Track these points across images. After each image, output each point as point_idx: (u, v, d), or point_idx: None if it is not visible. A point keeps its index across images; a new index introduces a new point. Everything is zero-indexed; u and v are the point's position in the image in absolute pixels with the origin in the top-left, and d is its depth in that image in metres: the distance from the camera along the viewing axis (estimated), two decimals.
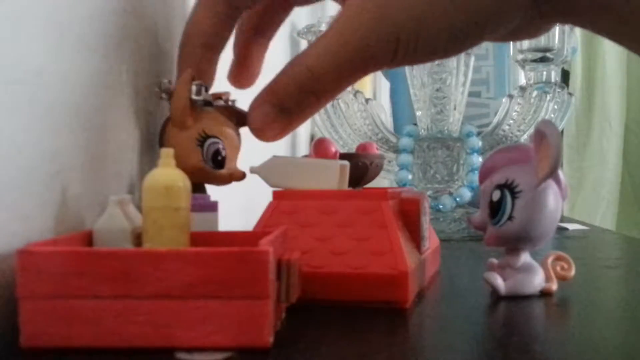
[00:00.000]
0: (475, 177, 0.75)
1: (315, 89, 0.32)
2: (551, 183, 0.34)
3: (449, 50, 0.31)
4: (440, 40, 0.30)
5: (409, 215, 0.39)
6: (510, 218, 0.34)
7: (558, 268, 0.38)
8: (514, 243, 0.36)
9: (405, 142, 0.78)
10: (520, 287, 0.36)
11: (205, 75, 0.37)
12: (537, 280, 0.37)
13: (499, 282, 0.36)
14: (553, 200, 0.34)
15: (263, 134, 0.34)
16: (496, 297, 0.36)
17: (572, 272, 0.38)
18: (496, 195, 0.35)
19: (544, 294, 0.37)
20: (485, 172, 0.37)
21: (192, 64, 0.36)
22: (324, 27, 0.85)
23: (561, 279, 0.38)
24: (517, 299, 0.36)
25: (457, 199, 0.75)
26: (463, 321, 0.32)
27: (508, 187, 0.34)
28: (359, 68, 0.31)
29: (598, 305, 0.37)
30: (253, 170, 0.40)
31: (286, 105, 0.33)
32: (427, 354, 0.27)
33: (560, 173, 0.35)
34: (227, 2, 0.35)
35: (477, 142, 0.76)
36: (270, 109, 0.33)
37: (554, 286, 0.37)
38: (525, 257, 0.36)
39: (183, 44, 0.37)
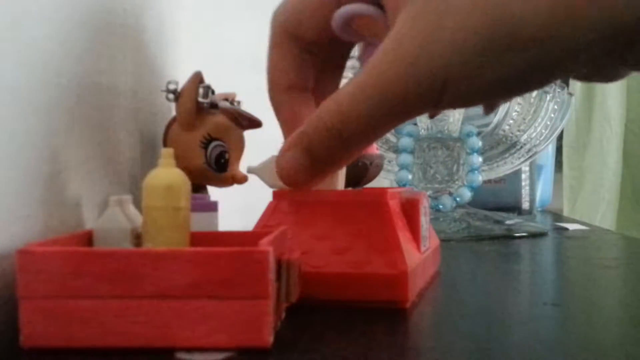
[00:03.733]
0: (475, 177, 0.75)
1: (345, 136, 0.29)
2: None
3: (511, 92, 0.28)
4: (497, 84, 0.26)
5: (409, 215, 0.39)
6: None
7: None
8: None
9: (405, 142, 0.78)
10: None
11: (305, 117, 0.32)
12: None
13: None
14: None
15: (290, 178, 0.32)
16: None
17: None
18: None
19: None
20: None
21: (286, 111, 0.33)
22: None
23: None
24: (518, 299, 0.36)
25: (457, 199, 0.75)
26: (463, 321, 0.32)
27: None
28: (396, 117, 0.28)
29: (598, 305, 0.37)
30: (251, 170, 0.40)
31: (315, 150, 0.30)
32: (427, 354, 0.27)
33: None
34: (296, 43, 0.32)
35: (477, 142, 0.76)
36: (300, 154, 0.31)
37: None
38: None
39: (270, 92, 0.34)
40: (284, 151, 0.31)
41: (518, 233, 0.73)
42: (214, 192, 0.44)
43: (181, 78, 0.42)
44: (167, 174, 0.29)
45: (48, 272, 0.26)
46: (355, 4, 0.31)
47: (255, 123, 0.45)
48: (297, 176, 0.31)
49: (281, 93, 0.33)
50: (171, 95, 0.41)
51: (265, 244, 0.26)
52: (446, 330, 0.31)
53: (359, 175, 0.41)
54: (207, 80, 0.42)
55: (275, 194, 0.38)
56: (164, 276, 0.26)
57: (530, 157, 0.79)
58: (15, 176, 0.30)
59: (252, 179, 0.43)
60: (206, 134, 0.41)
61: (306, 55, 0.33)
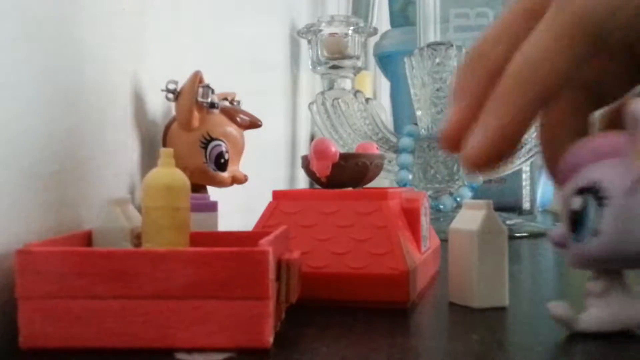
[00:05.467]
0: (475, 177, 0.75)
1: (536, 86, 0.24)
2: None
3: None
4: None
5: (409, 215, 0.39)
6: (595, 233, 0.25)
7: None
8: (602, 265, 0.27)
9: (406, 142, 0.78)
10: (603, 320, 0.27)
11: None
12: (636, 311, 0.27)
13: (567, 313, 0.28)
14: None
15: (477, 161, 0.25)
16: (570, 333, 0.28)
17: None
18: (577, 202, 0.26)
19: None
20: (567, 172, 0.27)
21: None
22: (324, 27, 0.85)
23: None
24: (518, 299, 0.36)
25: (458, 199, 0.75)
26: (463, 321, 0.32)
27: (592, 192, 0.26)
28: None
29: None
30: None
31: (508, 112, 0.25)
32: (427, 354, 0.27)
33: None
34: (593, 41, 0.25)
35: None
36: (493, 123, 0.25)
37: None
38: (616, 281, 0.27)
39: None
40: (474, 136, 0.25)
41: (519, 233, 0.73)
42: (214, 192, 0.44)
43: (181, 78, 0.42)
44: (167, 174, 0.29)
45: (48, 272, 0.26)
46: None
47: (255, 123, 0.45)
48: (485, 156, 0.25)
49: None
50: (171, 95, 0.41)
51: (265, 244, 0.26)
52: (446, 330, 0.31)
53: (359, 175, 0.41)
54: (207, 80, 0.42)
55: (275, 194, 0.38)
56: (163, 276, 0.26)
57: (531, 157, 0.79)
58: (15, 176, 0.30)
59: (253, 179, 0.44)
60: (206, 133, 0.41)
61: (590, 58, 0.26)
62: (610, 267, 0.27)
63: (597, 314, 0.27)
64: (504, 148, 0.25)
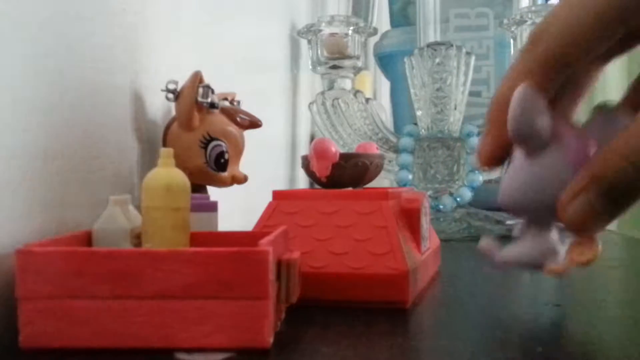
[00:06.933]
0: (475, 177, 0.75)
1: None
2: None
3: None
4: None
5: (409, 215, 0.39)
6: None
7: (575, 253, 0.30)
8: (513, 210, 0.32)
9: (406, 142, 0.78)
10: (519, 253, 0.31)
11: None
12: (543, 253, 0.31)
13: (491, 247, 0.32)
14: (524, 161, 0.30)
15: (584, 226, 0.28)
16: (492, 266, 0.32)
17: (588, 256, 0.30)
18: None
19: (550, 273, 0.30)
20: None
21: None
22: (324, 27, 0.85)
23: (578, 264, 0.30)
24: (518, 299, 0.35)
25: (458, 199, 0.75)
26: (463, 321, 0.32)
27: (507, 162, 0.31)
28: None
29: (599, 305, 0.37)
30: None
31: (618, 193, 0.26)
32: (427, 354, 0.27)
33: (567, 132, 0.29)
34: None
35: (477, 142, 0.76)
36: (597, 200, 0.27)
37: (562, 268, 0.30)
38: (534, 227, 0.31)
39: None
40: (570, 199, 0.27)
41: None
42: (214, 192, 0.44)
43: (181, 78, 0.41)
44: (167, 174, 0.29)
45: (48, 272, 0.26)
46: None
47: (255, 123, 0.45)
48: (593, 224, 0.27)
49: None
50: (171, 95, 0.41)
51: (265, 244, 0.26)
52: (446, 330, 0.31)
53: (359, 175, 0.41)
54: (207, 80, 0.42)
55: (275, 194, 0.38)
56: (164, 276, 0.26)
57: None
58: (14, 176, 0.30)
59: (253, 179, 0.43)
60: (206, 133, 0.41)
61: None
62: (522, 214, 0.31)
63: (513, 248, 0.31)
64: (504, 144, 0.30)
